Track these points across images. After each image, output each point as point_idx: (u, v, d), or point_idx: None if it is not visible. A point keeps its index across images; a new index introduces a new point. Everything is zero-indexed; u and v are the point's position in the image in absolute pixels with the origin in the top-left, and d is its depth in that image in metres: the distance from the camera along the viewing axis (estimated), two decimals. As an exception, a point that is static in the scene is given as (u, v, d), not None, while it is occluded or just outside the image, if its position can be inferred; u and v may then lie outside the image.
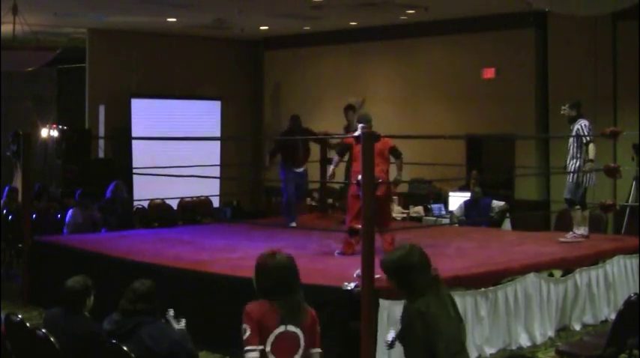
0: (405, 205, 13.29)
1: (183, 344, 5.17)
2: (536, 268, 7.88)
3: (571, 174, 9.21)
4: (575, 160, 9.15)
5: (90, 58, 15.80)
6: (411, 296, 4.15)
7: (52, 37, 15.94)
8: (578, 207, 9.26)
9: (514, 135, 13.59)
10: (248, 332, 4.24)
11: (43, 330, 5.20)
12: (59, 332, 5.21)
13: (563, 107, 9.34)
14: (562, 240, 9.18)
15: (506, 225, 11.69)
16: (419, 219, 12.64)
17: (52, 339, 5.08)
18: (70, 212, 11.11)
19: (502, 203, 11.59)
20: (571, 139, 9.23)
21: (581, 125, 9.13)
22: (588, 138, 9.05)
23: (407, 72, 15.33)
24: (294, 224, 10.76)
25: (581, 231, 9.23)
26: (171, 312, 5.36)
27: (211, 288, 7.55)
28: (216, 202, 15.13)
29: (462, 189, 12.82)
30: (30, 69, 14.14)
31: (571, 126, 9.26)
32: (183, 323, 5.35)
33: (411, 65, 15.28)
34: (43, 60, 13.12)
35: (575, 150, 9.15)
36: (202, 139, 15.47)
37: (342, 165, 9.39)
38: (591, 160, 9.01)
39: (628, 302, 5.98)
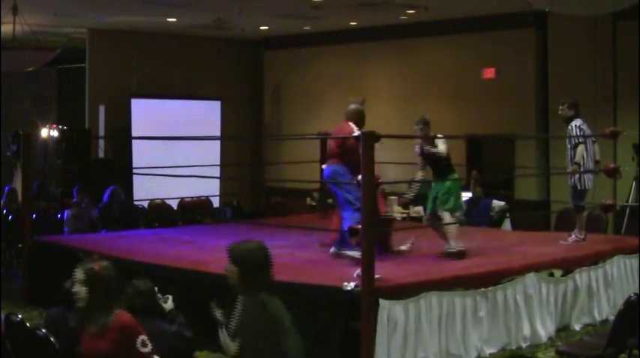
0: (405, 205, 13.26)
1: (182, 334, 5.12)
2: (536, 268, 7.87)
3: (568, 178, 9.13)
4: (570, 162, 9.03)
5: (90, 58, 15.81)
6: (253, 289, 4.13)
7: (52, 37, 15.94)
8: (585, 211, 9.19)
9: (514, 135, 13.58)
10: (150, 346, 4.19)
11: (43, 330, 5.18)
12: (59, 332, 5.20)
13: (560, 107, 9.24)
14: (563, 242, 9.14)
15: (506, 225, 11.67)
16: (419, 219, 12.62)
17: (52, 339, 5.07)
18: (68, 211, 11.16)
19: (502, 203, 11.58)
20: (567, 140, 9.12)
21: (572, 126, 8.96)
22: (579, 140, 8.88)
23: (407, 72, 15.32)
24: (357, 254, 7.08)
25: (583, 234, 9.18)
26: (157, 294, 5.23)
27: (211, 288, 7.53)
28: (216, 202, 15.13)
29: (462, 189, 12.79)
30: (30, 69, 14.13)
31: (567, 126, 9.18)
32: (170, 301, 5.24)
33: (411, 65, 15.28)
34: (43, 60, 13.13)
35: (569, 151, 9.03)
36: (202, 139, 15.45)
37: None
38: (577, 163, 8.83)
39: (628, 302, 5.97)
